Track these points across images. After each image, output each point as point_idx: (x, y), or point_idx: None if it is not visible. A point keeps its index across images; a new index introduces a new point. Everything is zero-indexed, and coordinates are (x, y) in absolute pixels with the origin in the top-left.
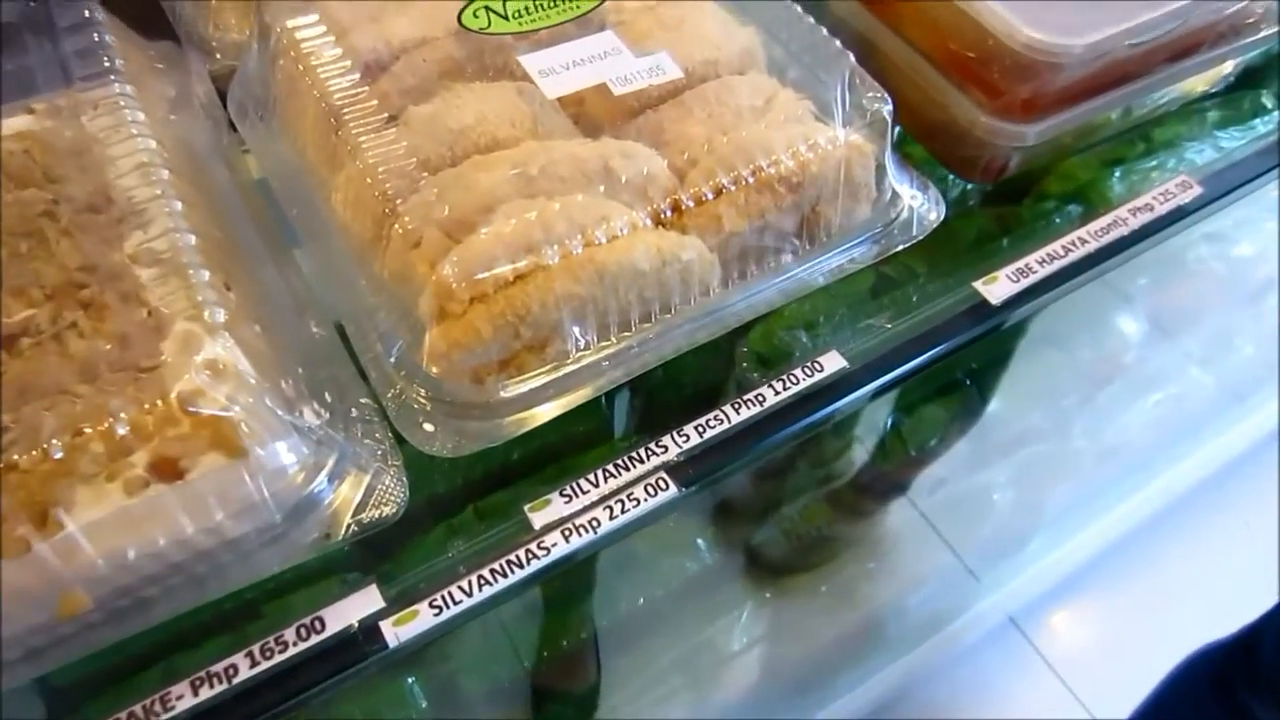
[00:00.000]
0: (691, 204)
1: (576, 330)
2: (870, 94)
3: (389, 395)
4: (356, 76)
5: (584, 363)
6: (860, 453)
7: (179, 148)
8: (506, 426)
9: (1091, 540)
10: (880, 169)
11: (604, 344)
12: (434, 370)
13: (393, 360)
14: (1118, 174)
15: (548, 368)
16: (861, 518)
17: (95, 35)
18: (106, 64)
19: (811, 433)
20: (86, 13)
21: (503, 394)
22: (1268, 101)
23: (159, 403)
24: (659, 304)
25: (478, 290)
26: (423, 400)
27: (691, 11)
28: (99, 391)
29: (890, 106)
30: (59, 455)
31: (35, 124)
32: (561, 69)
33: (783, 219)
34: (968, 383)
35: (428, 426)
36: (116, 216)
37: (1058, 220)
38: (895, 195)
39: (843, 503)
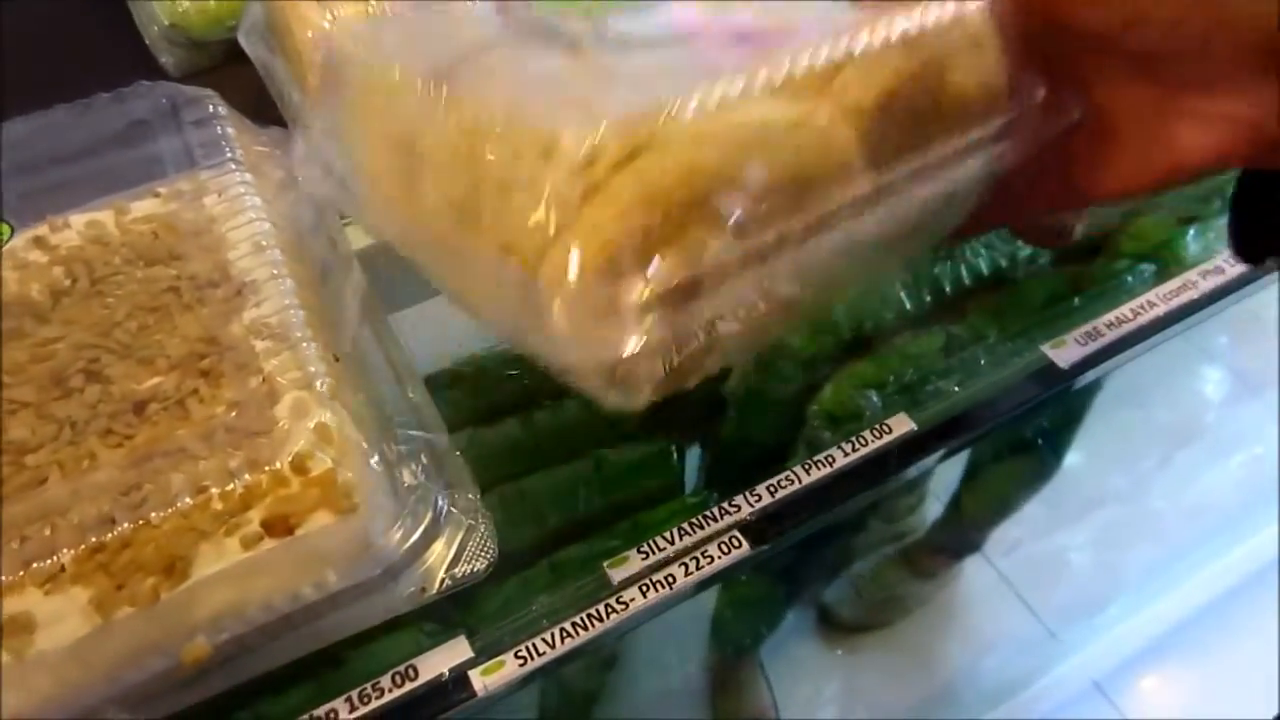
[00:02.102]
0: (815, 72)
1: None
2: None
3: None
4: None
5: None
6: (934, 509)
7: (287, 224)
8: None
9: (1180, 602)
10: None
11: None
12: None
13: None
14: (1192, 233)
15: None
16: (935, 575)
17: (218, 128)
18: (228, 154)
19: (881, 493)
20: (210, 108)
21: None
22: None
23: (273, 464)
24: (804, 188)
25: (592, 179)
26: None
27: None
28: (218, 453)
29: None
30: (185, 512)
31: (160, 207)
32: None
33: (914, 90)
34: (1039, 441)
35: None
36: (233, 291)
37: (1130, 280)
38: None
39: (916, 560)
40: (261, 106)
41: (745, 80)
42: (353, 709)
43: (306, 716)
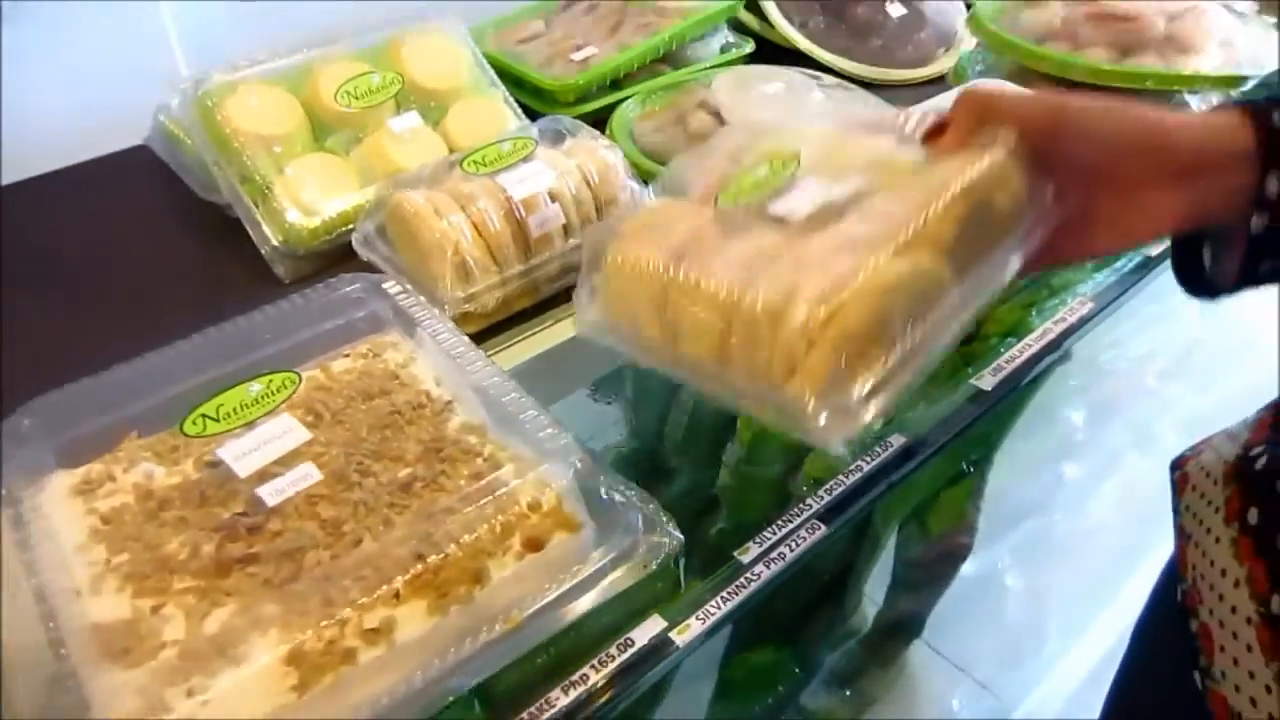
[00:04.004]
0: (907, 237)
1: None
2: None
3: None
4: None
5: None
6: (870, 609)
7: (449, 361)
8: None
9: (1106, 631)
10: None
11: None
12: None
13: None
14: (1035, 313)
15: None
16: (891, 661)
17: (391, 303)
18: (398, 320)
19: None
20: (394, 288)
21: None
22: None
23: (516, 507)
24: (923, 306)
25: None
26: None
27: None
28: (474, 506)
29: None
30: (470, 543)
31: (352, 363)
32: (798, 203)
33: (974, 220)
34: (969, 469)
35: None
36: (439, 409)
37: (1002, 350)
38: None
39: (873, 649)
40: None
41: (878, 256)
42: (597, 671)
43: (565, 681)
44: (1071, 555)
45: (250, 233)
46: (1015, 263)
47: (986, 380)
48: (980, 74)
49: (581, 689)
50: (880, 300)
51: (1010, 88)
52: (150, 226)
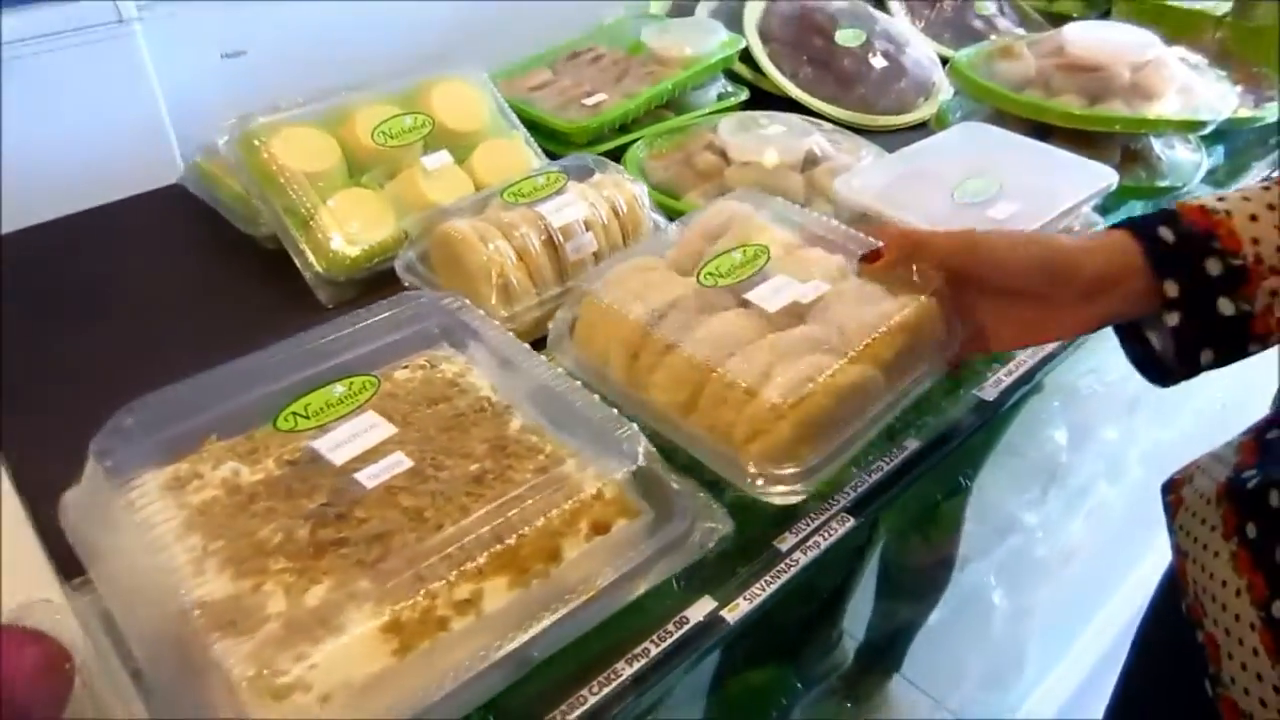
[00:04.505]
0: (858, 350)
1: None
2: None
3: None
4: (649, 319)
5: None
6: (849, 645)
7: (502, 370)
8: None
9: (1086, 652)
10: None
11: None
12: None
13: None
14: None
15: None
16: (870, 697)
17: (447, 319)
18: (446, 333)
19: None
20: (455, 304)
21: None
22: None
23: (580, 496)
24: (861, 407)
25: (779, 412)
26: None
27: (811, 254)
28: (543, 496)
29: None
30: (544, 525)
31: (410, 374)
32: (770, 295)
33: (908, 344)
34: (964, 481)
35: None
36: (499, 411)
37: (988, 375)
38: (955, 328)
39: (853, 685)
40: None
41: (840, 360)
42: (656, 646)
43: (629, 655)
44: (1051, 579)
45: (295, 260)
46: (929, 380)
47: (989, 392)
48: (960, 119)
49: (644, 660)
50: (837, 397)
51: (930, 229)
52: (192, 258)
